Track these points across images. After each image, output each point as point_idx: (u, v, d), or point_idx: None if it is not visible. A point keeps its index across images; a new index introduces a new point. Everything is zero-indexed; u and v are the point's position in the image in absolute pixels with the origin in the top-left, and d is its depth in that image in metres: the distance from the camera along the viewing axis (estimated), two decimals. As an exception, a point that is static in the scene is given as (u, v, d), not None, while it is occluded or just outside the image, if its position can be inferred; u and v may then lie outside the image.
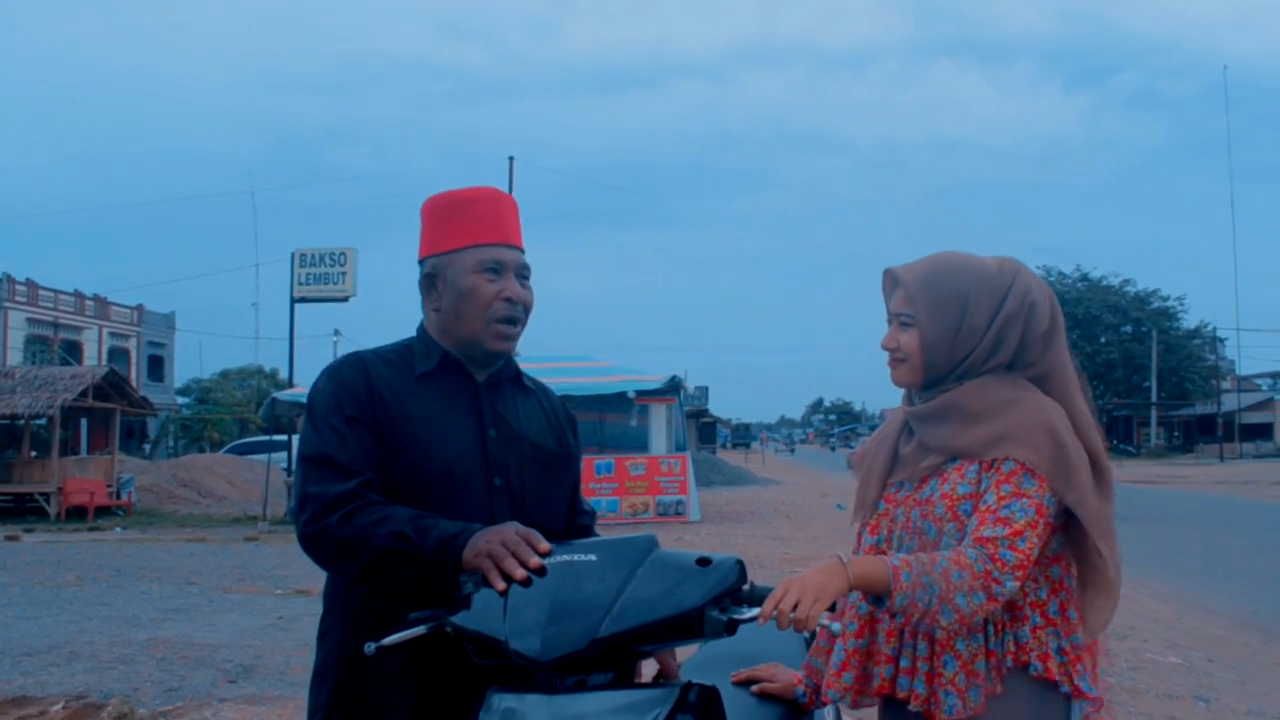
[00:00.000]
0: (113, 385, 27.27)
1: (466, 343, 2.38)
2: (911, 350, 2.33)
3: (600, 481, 19.95)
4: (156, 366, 57.40)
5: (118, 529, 21.74)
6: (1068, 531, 2.24)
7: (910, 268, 2.36)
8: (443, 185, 2.48)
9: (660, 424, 22.17)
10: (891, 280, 2.40)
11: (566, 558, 2.05)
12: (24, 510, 24.62)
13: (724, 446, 74.82)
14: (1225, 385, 71.32)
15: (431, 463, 2.28)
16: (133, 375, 47.30)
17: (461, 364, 2.41)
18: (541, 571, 2.03)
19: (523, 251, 2.44)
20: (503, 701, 1.93)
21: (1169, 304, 74.11)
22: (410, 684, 2.22)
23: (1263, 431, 68.00)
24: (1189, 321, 74.30)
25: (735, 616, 2.01)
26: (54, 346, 46.31)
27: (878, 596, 2.10)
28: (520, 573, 2.02)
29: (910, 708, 2.24)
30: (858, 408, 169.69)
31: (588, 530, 2.59)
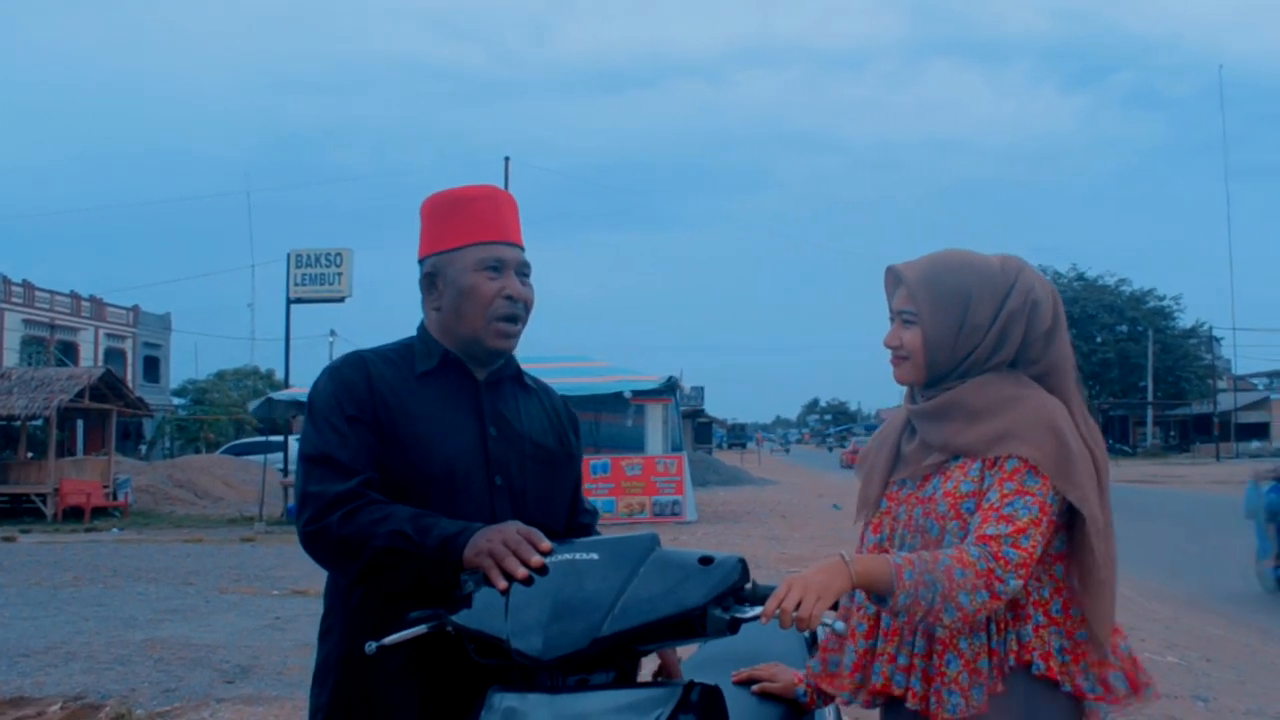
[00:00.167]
0: (109, 386, 27.23)
1: (467, 341, 2.38)
2: (914, 348, 2.33)
3: (596, 482, 19.93)
4: (152, 367, 57.35)
5: (114, 530, 21.70)
6: (1070, 530, 2.24)
7: (913, 265, 2.36)
8: (440, 185, 2.48)
9: (656, 424, 22.17)
10: (894, 278, 2.40)
11: (568, 556, 2.05)
12: (20, 511, 24.58)
13: (720, 446, 74.88)
14: (1221, 385, 71.35)
15: (432, 462, 2.28)
16: (129, 376, 47.20)
17: (462, 363, 2.40)
18: (543, 570, 2.02)
19: (523, 249, 2.44)
20: (504, 701, 1.92)
21: (1165, 303, 74.20)
22: (411, 683, 2.21)
23: (1259, 431, 68.08)
24: (1185, 321, 74.48)
25: (738, 615, 2.01)
26: (50, 348, 46.22)
27: (880, 595, 2.10)
28: (522, 571, 2.01)
29: (908, 705, 2.23)
30: (853, 408, 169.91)
31: (590, 529, 2.59)
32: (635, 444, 21.77)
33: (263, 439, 31.17)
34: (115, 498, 25.96)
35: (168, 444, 49.44)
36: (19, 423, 25.97)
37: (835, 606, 2.09)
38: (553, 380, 2.67)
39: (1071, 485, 2.16)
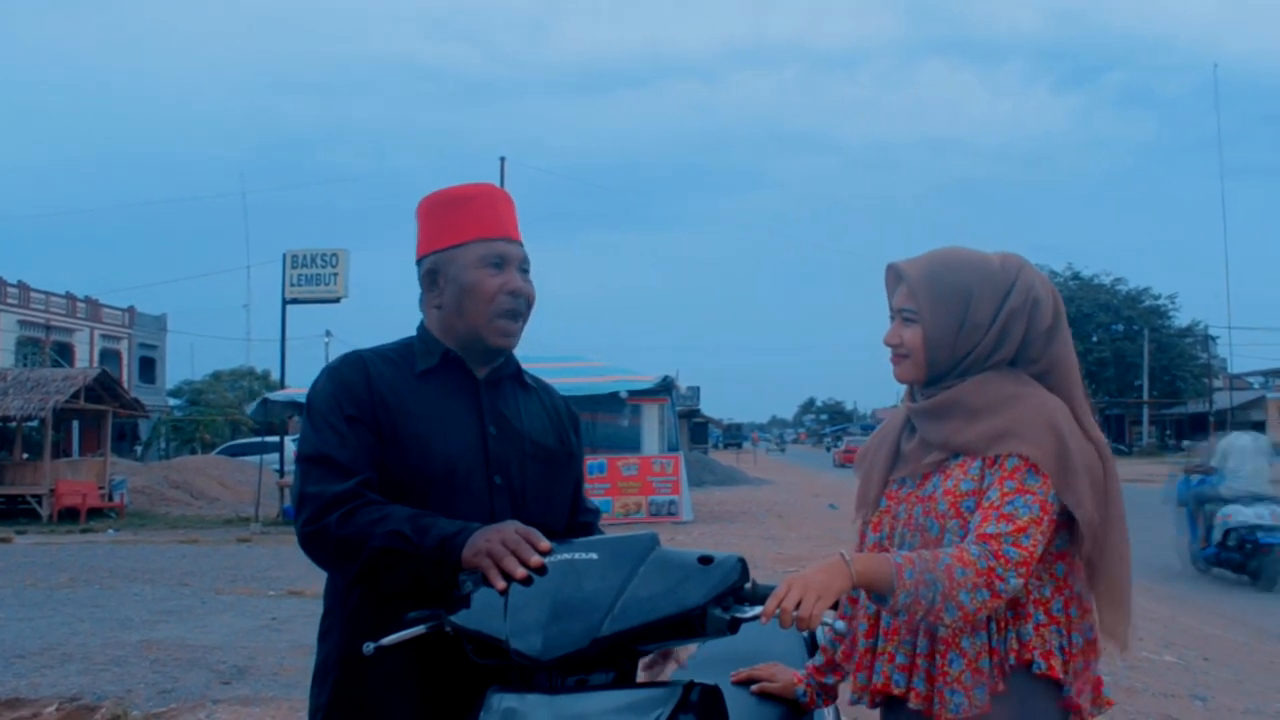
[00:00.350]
0: (104, 387, 27.18)
1: (469, 338, 2.37)
2: (914, 346, 2.32)
3: (592, 482, 19.87)
4: (148, 368, 57.24)
5: (110, 531, 21.65)
6: (1071, 528, 2.23)
7: (913, 263, 2.35)
8: (436, 186, 2.46)
9: (653, 424, 22.17)
10: (894, 276, 2.39)
11: (567, 556, 2.04)
12: (16, 512, 24.51)
13: (716, 446, 74.81)
14: (1217, 383, 71.37)
15: (432, 461, 2.27)
16: (124, 377, 47.08)
17: (462, 361, 2.39)
18: (542, 570, 2.01)
19: (522, 245, 2.43)
20: (503, 701, 1.91)
21: (1161, 302, 74.19)
22: (410, 684, 2.20)
23: (1255, 429, 68.06)
24: (1181, 320, 74.44)
25: (738, 615, 2.00)
26: (45, 348, 46.14)
27: (881, 594, 2.09)
28: (520, 571, 2.00)
29: (910, 705, 2.22)
30: (849, 407, 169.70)
31: (592, 528, 2.57)
32: (631, 444, 21.77)
33: (259, 440, 31.16)
34: (111, 499, 25.88)
35: (163, 445, 49.35)
36: (14, 424, 25.90)
37: (836, 606, 2.09)
38: (548, 380, 2.66)
39: (1067, 488, 2.15)
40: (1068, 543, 2.24)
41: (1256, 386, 76.75)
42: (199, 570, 13.76)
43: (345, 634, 2.25)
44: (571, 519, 2.55)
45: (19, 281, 47.56)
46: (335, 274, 26.21)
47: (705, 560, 2.01)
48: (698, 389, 66.63)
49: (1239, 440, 13.66)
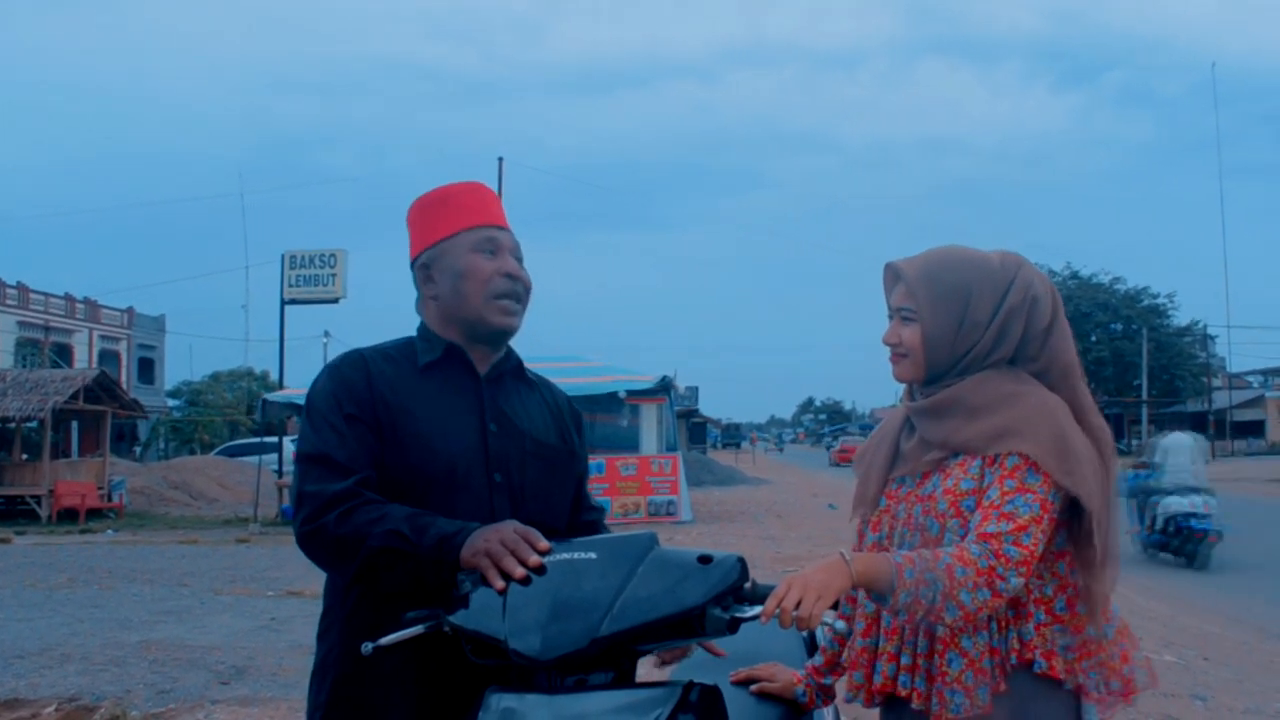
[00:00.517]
0: (103, 388, 27.17)
1: (470, 323, 2.36)
2: (913, 345, 2.32)
3: (592, 482, 19.67)
4: (147, 369, 57.20)
5: (109, 531, 21.65)
6: (1071, 526, 2.22)
7: (912, 262, 2.34)
8: (433, 186, 2.46)
9: (651, 424, 22.15)
10: (893, 275, 2.38)
11: (566, 556, 2.03)
12: (15, 513, 24.50)
13: (714, 446, 74.76)
14: (1216, 383, 71.44)
15: (432, 459, 2.26)
16: (123, 378, 47.04)
17: (465, 355, 2.38)
18: (541, 570, 2.00)
19: (512, 233, 2.44)
20: (502, 701, 1.91)
21: (1159, 301, 74.04)
22: (409, 684, 2.20)
23: (1254, 429, 68.18)
24: (1180, 319, 74.26)
25: (737, 615, 1.99)
26: (44, 349, 46.12)
27: (881, 594, 2.08)
28: (519, 571, 1.99)
29: (912, 706, 2.22)
30: (848, 407, 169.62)
31: (596, 526, 2.56)
32: (630, 444, 21.75)
33: (257, 440, 31.15)
34: (110, 499, 25.89)
35: (162, 445, 49.33)
36: (14, 424, 25.89)
37: (836, 605, 2.08)
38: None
39: (1073, 482, 2.14)
40: (1068, 540, 2.24)
41: (1255, 385, 76.96)
42: (198, 571, 13.75)
43: (344, 634, 2.25)
44: (575, 517, 2.54)
45: (18, 282, 47.54)
46: (334, 274, 26.25)
47: (704, 560, 2.00)
48: (696, 389, 66.72)
49: (1178, 439, 14.92)
